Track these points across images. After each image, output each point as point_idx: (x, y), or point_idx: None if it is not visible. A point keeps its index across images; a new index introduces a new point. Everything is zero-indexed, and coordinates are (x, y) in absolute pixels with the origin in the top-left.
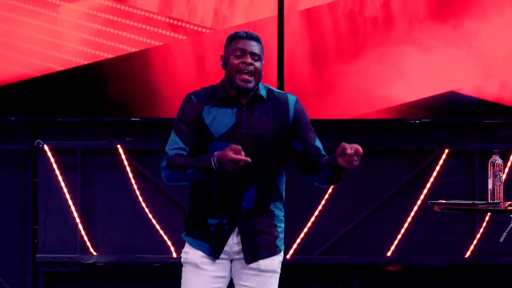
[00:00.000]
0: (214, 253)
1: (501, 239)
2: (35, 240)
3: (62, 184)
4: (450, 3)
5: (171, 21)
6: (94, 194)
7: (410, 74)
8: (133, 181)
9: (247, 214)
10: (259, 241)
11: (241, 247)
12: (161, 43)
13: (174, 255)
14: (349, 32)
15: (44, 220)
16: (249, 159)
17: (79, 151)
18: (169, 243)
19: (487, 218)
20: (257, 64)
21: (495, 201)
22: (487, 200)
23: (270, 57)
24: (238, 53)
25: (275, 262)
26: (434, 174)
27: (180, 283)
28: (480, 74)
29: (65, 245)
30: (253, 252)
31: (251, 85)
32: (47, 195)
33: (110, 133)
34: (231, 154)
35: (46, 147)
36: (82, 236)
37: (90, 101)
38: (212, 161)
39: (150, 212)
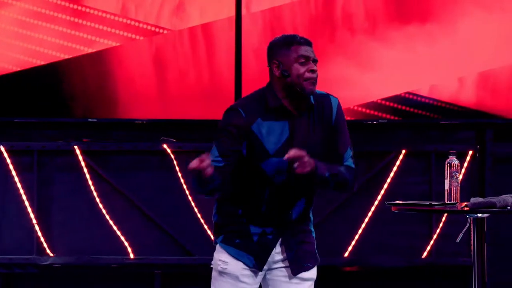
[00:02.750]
0: (257, 265)
1: (458, 240)
2: None
3: (19, 185)
4: (407, 5)
5: (128, 21)
6: (51, 195)
7: (367, 75)
8: (90, 182)
9: (292, 224)
10: (303, 252)
11: (283, 256)
12: (117, 44)
13: (132, 256)
14: (308, 33)
15: (0, 221)
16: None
17: (35, 152)
18: (126, 244)
19: (443, 219)
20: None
21: (452, 202)
22: (444, 200)
23: (228, 59)
24: (302, 60)
25: (315, 272)
26: (391, 174)
27: (138, 284)
28: (436, 75)
29: (21, 246)
30: (299, 263)
31: (314, 90)
32: (3, 196)
33: (67, 134)
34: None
35: (2, 148)
36: (38, 237)
37: (46, 102)
38: None
39: (107, 213)
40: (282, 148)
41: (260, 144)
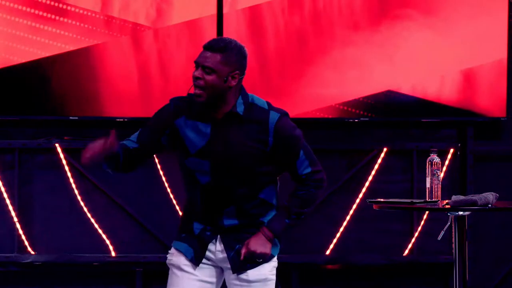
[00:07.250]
0: (195, 258)
1: (439, 238)
2: None
3: (0, 183)
4: (389, 2)
5: (110, 19)
6: (32, 193)
7: (347, 73)
8: (71, 180)
9: (231, 230)
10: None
11: (225, 255)
12: (98, 42)
13: (113, 254)
14: (289, 32)
15: None
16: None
17: (17, 150)
18: (107, 242)
19: (425, 217)
20: (209, 77)
21: (433, 200)
22: (425, 198)
23: None
24: (195, 65)
25: (266, 270)
26: (373, 172)
27: (119, 282)
28: (418, 73)
29: (2, 244)
30: (240, 262)
31: (201, 99)
32: None
33: (48, 132)
34: (90, 146)
35: None
36: (20, 235)
37: (27, 100)
38: None
39: (89, 211)
40: (201, 151)
41: (182, 142)
